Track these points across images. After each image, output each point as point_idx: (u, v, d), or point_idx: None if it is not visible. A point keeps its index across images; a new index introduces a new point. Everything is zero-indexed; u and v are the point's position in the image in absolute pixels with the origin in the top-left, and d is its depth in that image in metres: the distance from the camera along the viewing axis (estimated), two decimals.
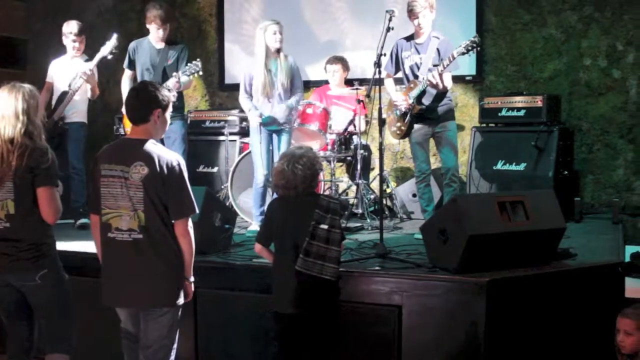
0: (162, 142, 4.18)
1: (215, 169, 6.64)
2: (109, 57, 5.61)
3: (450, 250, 3.69)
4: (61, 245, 3.69)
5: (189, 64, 5.24)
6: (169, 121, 3.35)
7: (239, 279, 4.11)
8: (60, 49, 5.88)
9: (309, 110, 5.66)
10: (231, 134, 6.48)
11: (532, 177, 5.62)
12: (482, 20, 6.55)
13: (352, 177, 6.07)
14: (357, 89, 5.80)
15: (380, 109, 4.30)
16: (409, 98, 5.05)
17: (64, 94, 5.68)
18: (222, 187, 6.33)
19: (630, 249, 4.87)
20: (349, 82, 6.41)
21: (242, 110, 5.86)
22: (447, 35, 5.20)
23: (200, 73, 5.30)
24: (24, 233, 3.32)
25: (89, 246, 4.06)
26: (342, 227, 3.52)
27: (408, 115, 5.08)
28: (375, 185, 5.99)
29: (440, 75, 4.87)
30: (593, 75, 6.25)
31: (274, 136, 5.34)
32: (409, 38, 5.18)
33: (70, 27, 5.75)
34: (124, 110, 3.85)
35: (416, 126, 5.14)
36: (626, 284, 4.11)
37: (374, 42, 4.56)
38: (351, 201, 5.80)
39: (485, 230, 3.64)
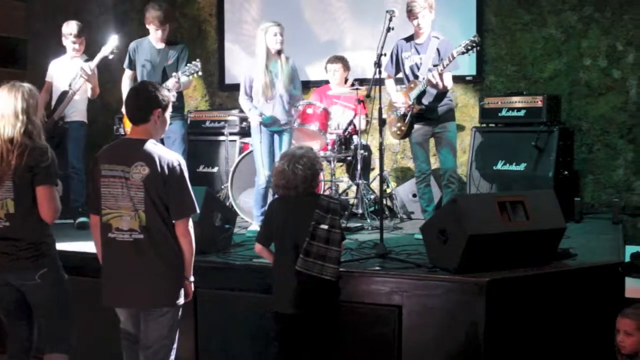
0: (162, 142, 4.18)
1: (215, 169, 6.64)
2: (110, 57, 5.61)
3: (451, 251, 3.68)
4: (61, 245, 3.69)
5: (188, 64, 5.25)
6: (168, 121, 3.35)
7: (239, 279, 4.10)
8: (60, 49, 5.88)
9: (309, 111, 5.65)
10: (231, 134, 6.48)
11: (532, 177, 5.62)
12: (482, 20, 6.55)
13: (352, 177, 6.06)
14: (357, 88, 5.81)
15: (380, 109, 4.30)
16: (409, 98, 5.05)
17: (64, 94, 5.68)
18: (222, 187, 6.34)
19: (630, 249, 4.87)
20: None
21: (242, 110, 5.86)
22: (447, 35, 5.20)
23: (200, 73, 5.30)
24: (24, 232, 3.32)
25: (88, 246, 4.06)
26: (342, 227, 3.52)
27: (408, 116, 5.08)
28: (375, 185, 5.98)
29: (440, 75, 4.87)
30: (593, 75, 6.25)
31: (275, 136, 5.34)
32: (409, 39, 5.18)
33: (70, 28, 5.74)
34: (124, 110, 3.85)
35: (416, 126, 5.14)
36: (626, 284, 4.10)
37: (374, 42, 4.56)
38: (351, 201, 5.80)
39: (486, 231, 3.64)
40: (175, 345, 3.30)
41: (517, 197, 3.88)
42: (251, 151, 5.77)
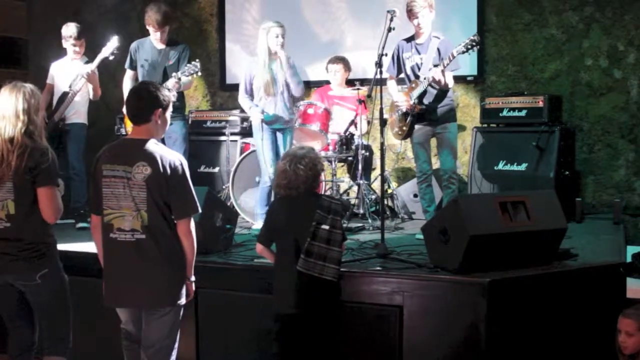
0: (163, 142, 4.18)
1: (216, 169, 6.63)
2: (110, 57, 5.61)
3: (452, 251, 3.68)
4: (62, 246, 3.69)
5: (187, 65, 5.25)
6: (169, 121, 3.35)
7: (240, 279, 4.10)
8: (61, 50, 5.89)
9: (310, 111, 5.66)
10: (232, 134, 6.48)
11: (534, 178, 5.61)
12: (483, 20, 6.55)
13: (353, 177, 6.06)
14: (358, 89, 5.80)
15: (381, 109, 4.30)
16: (411, 98, 5.05)
17: (64, 95, 5.69)
18: (224, 187, 6.33)
19: (631, 250, 4.86)
20: (350, 83, 6.41)
21: (243, 110, 5.87)
22: (448, 35, 5.20)
23: (199, 74, 5.30)
24: (25, 233, 3.32)
25: (89, 246, 4.06)
26: (343, 227, 3.52)
27: (409, 116, 5.08)
28: (376, 185, 5.98)
29: (442, 72, 4.87)
30: (594, 75, 6.25)
31: (278, 134, 5.34)
32: (410, 39, 5.18)
33: (70, 31, 5.74)
34: (124, 110, 3.86)
35: (417, 126, 5.14)
36: (627, 284, 4.09)
37: (375, 42, 4.55)
38: (352, 201, 5.80)
39: (487, 231, 3.64)
40: (176, 345, 3.31)
41: (519, 197, 3.88)
42: (252, 151, 5.77)
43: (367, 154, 6.12)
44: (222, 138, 6.52)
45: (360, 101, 5.76)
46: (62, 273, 3.48)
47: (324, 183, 5.81)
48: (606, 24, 6.19)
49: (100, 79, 5.79)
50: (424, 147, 5.20)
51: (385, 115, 4.49)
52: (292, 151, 3.61)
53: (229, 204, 5.77)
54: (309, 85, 6.70)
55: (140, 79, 5.45)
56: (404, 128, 5.15)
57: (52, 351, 3.45)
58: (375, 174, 6.35)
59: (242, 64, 5.95)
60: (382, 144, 4.34)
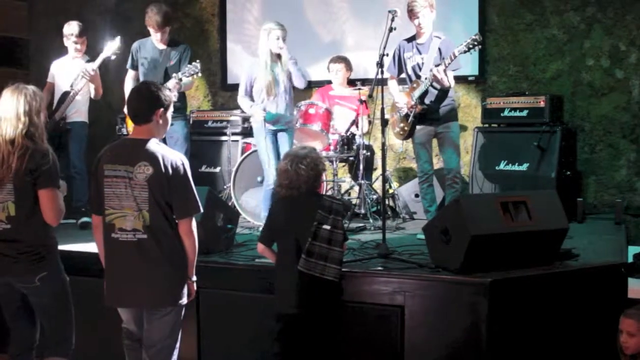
0: (164, 141, 4.18)
1: (217, 169, 6.64)
2: (112, 57, 5.62)
3: (453, 251, 3.68)
4: (63, 246, 3.70)
5: (188, 66, 5.25)
6: (170, 121, 3.35)
7: (241, 279, 4.10)
8: (62, 49, 5.89)
9: (312, 111, 5.65)
10: (233, 134, 6.49)
11: (535, 178, 5.61)
12: (484, 20, 6.55)
13: (354, 177, 6.06)
14: (359, 89, 5.79)
15: (382, 109, 4.30)
16: (412, 98, 5.05)
17: (65, 94, 5.69)
18: (225, 187, 6.34)
19: (633, 250, 4.85)
20: (351, 82, 6.41)
21: (244, 110, 5.86)
22: (450, 36, 5.19)
23: (199, 74, 5.30)
24: (25, 235, 3.32)
25: (91, 246, 4.06)
26: (344, 227, 3.52)
27: (411, 115, 5.08)
28: (377, 185, 5.98)
29: (444, 71, 4.87)
30: (596, 75, 6.24)
31: (279, 135, 5.34)
32: (411, 39, 5.17)
33: (71, 29, 5.75)
34: (126, 110, 3.85)
35: (419, 126, 5.13)
36: (629, 284, 4.09)
37: (377, 42, 4.55)
38: (354, 201, 5.80)
39: (488, 231, 3.64)
40: (178, 345, 3.31)
41: (520, 198, 3.87)
42: (254, 151, 5.76)
43: (369, 154, 6.12)
44: (224, 138, 6.52)
45: (362, 101, 5.75)
46: (62, 275, 3.47)
47: (325, 183, 5.81)
48: (608, 24, 6.18)
49: (103, 78, 5.80)
50: (426, 147, 5.20)
51: (387, 115, 4.49)
52: (294, 151, 3.61)
53: (230, 203, 5.77)
54: (310, 85, 6.69)
55: (140, 78, 5.46)
56: (406, 128, 5.14)
57: (53, 352, 3.45)
58: (377, 174, 6.36)
59: (243, 64, 5.95)
60: (383, 144, 4.34)
